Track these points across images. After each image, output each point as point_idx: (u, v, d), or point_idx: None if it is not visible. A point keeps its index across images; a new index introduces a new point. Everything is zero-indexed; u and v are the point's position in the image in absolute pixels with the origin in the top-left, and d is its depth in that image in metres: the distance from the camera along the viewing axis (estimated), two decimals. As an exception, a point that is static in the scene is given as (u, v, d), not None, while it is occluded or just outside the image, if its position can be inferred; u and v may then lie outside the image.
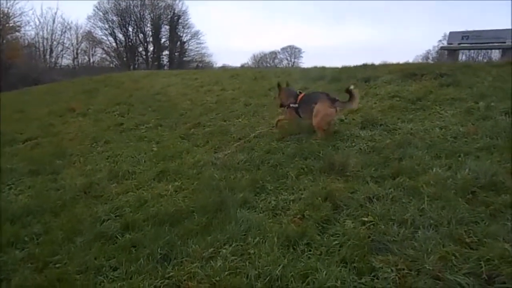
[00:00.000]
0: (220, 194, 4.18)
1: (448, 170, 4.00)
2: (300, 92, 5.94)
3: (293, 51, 64.23)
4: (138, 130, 7.87)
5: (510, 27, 10.67)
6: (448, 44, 11.71)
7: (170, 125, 7.83)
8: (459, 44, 11.48)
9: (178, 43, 50.42)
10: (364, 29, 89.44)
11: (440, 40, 55.72)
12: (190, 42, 50.47)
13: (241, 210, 3.77)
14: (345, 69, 11.63)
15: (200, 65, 48.72)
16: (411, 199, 3.53)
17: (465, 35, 11.37)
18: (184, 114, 8.58)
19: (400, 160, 4.41)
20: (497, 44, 11.05)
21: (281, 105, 6.18)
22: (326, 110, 5.34)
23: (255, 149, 5.57)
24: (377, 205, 3.49)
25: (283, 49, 64.23)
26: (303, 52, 62.52)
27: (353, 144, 5.22)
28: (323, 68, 12.63)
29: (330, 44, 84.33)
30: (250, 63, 60.05)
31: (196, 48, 50.68)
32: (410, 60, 18.19)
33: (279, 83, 6.35)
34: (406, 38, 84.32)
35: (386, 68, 10.87)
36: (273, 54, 64.68)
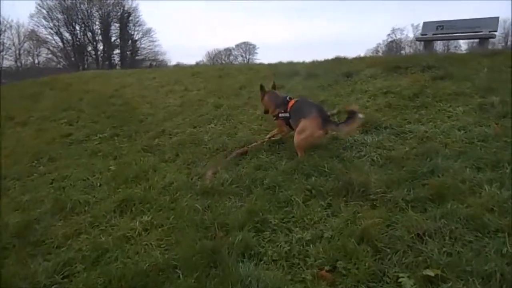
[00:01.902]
0: (209, 235, 3.10)
1: (502, 187, 3.13)
2: (290, 99, 4.82)
3: (248, 48, 63.66)
4: (91, 141, 6.56)
5: (485, 16, 10.24)
6: (422, 34, 11.17)
7: (129, 135, 6.59)
8: (433, 34, 10.93)
9: (130, 41, 48.26)
10: (315, 26, 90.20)
11: (389, 34, 57.54)
12: (142, 40, 48.45)
13: (244, 261, 2.71)
14: (318, 64, 10.82)
15: (154, 63, 46.79)
16: (479, 235, 2.61)
17: (439, 25, 10.83)
18: (145, 120, 7.35)
19: (432, 174, 3.51)
20: (473, 33, 10.58)
21: (265, 112, 5.20)
22: (313, 130, 4.28)
23: (240, 164, 4.51)
24: (433, 247, 2.54)
25: (237, 45, 63.53)
26: (258, 48, 62.04)
27: (362, 153, 4.28)
28: (292, 64, 11.75)
29: (281, 40, 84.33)
30: (205, 60, 58.72)
31: (149, 46, 48.75)
32: (362, 54, 17.56)
33: (262, 86, 5.26)
34: (356, 33, 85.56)
35: (363, 61, 10.13)
36: (228, 51, 63.83)
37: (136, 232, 3.35)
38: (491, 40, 11.06)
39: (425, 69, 7.63)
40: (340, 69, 8.78)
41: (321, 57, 11.63)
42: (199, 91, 9.21)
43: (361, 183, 3.41)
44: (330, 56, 11.35)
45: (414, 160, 3.84)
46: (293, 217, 3.26)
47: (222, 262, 2.68)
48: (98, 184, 4.55)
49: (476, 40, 11.87)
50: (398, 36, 57.35)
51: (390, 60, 8.87)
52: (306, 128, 4.29)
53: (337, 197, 3.41)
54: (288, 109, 4.67)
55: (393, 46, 56.51)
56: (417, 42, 54.94)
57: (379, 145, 4.43)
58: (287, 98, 4.84)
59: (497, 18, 10.19)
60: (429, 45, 11.21)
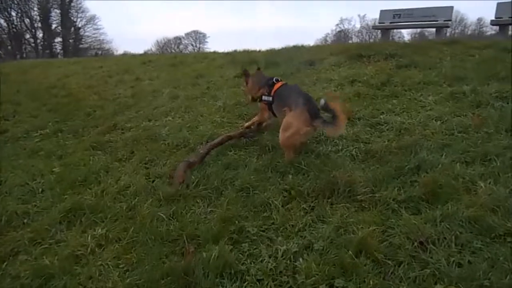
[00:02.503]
0: (177, 250, 2.63)
1: (497, 183, 2.90)
2: (277, 81, 4.23)
3: (198, 36, 62.28)
4: (30, 139, 5.78)
5: (442, 5, 10.31)
6: (380, 23, 11.10)
7: (75, 130, 5.88)
8: (390, 23, 10.89)
9: (72, 29, 45.44)
10: (264, 15, 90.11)
11: (337, 24, 58.53)
12: (86, 28, 45.76)
13: (223, 283, 2.27)
14: (275, 52, 10.45)
15: (100, 52, 44.41)
16: (487, 241, 2.34)
17: (396, 14, 10.82)
18: (93, 114, 6.63)
19: (418, 170, 3.24)
20: (429, 22, 10.64)
21: (252, 99, 4.55)
22: (300, 127, 3.62)
23: (206, 161, 4.04)
24: (439, 256, 2.24)
25: (187, 34, 61.87)
26: (208, 37, 60.86)
27: (338, 147, 3.96)
28: (248, 52, 11.29)
29: (228, 29, 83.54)
30: (154, 49, 56.63)
31: (94, 34, 46.14)
32: (311, 44, 17.31)
33: (245, 69, 4.72)
34: (305, 24, 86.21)
35: (324, 49, 9.92)
36: (178, 40, 62.08)
37: (88, 249, 2.81)
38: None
39: (388, 57, 7.48)
40: (301, 57, 8.47)
41: (268, 47, 11.22)
42: (152, 81, 8.55)
43: (347, 182, 3.07)
44: (277, 45, 11.07)
45: (397, 154, 3.57)
46: (273, 223, 2.86)
47: (197, 286, 2.23)
48: (40, 190, 3.90)
49: (418, 30, 11.97)
50: (346, 26, 58.53)
51: (353, 48, 8.67)
52: (292, 124, 3.66)
53: (320, 198, 3.05)
54: (272, 93, 4.12)
55: (341, 36, 57.44)
56: (364, 32, 57.18)
57: (356, 138, 4.13)
58: (273, 79, 4.25)
59: (452, 7, 10.30)
60: (386, 33, 11.17)
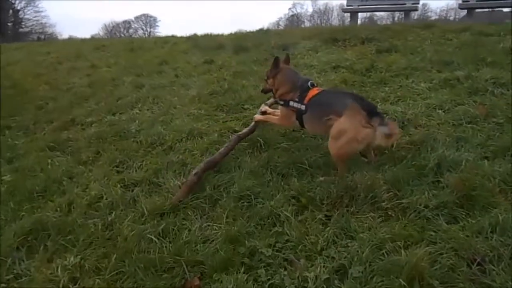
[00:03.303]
0: (178, 282, 2.11)
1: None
2: (313, 85, 3.36)
3: (148, 20, 60.05)
4: (-31, 139, 4.92)
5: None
6: (348, 6, 10.78)
7: (25, 127, 5.09)
8: (359, 6, 10.61)
9: (11, 11, 42.03)
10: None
11: (290, 8, 58.42)
12: (26, 10, 42.49)
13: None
14: (242, 36, 9.89)
15: (42, 36, 41.43)
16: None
17: (364, -4, 10.54)
18: (45, 107, 5.82)
19: (439, 168, 2.88)
20: (398, 5, 10.47)
21: (266, 91, 3.80)
22: (356, 130, 2.87)
23: (187, 160, 3.49)
24: (501, 279, 1.87)
25: (137, 18, 59.48)
26: (159, 21, 58.78)
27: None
28: (213, 36, 10.65)
29: (181, 14, 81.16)
30: (101, 33, 53.89)
31: (35, 17, 43.04)
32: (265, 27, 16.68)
33: (277, 58, 3.57)
34: (256, 8, 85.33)
35: (293, 33, 9.47)
36: (127, 24, 59.52)
37: (60, 286, 2.21)
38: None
39: (365, 42, 7.18)
40: (272, 42, 7.99)
41: (221, 32, 10.71)
42: (110, 68, 7.77)
43: (367, 186, 2.64)
44: (231, 30, 10.57)
45: (409, 150, 3.19)
46: (288, 241, 2.38)
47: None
48: (-13, 206, 3.19)
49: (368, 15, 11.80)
50: (299, 11, 58.58)
51: (326, 31, 8.29)
52: (345, 129, 2.90)
53: (337, 206, 2.62)
54: (306, 100, 3.27)
55: (294, 20, 57.39)
56: (316, 16, 57.35)
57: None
58: (309, 83, 3.35)
59: (419, -11, 10.16)
60: (354, 16, 10.89)
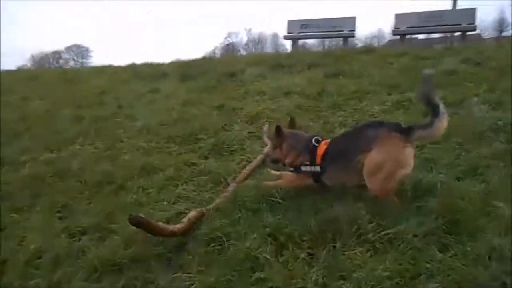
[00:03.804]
0: None
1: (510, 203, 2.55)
2: (318, 141, 2.98)
3: (80, 50, 58.23)
4: None
5: (346, 16, 10.58)
6: (288, 33, 10.99)
7: None
8: (299, 33, 10.86)
9: None
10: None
11: (225, 37, 59.37)
12: None
13: None
14: (186, 64, 9.67)
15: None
16: None
17: (303, 24, 10.85)
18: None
19: (415, 191, 2.77)
20: (336, 32, 10.84)
21: (275, 161, 3.26)
22: (396, 159, 2.57)
23: (142, 200, 3.12)
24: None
25: (67, 48, 57.41)
26: (92, 51, 57.10)
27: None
28: (153, 65, 10.32)
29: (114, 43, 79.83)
30: (29, 65, 51.00)
31: None
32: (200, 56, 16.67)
33: (278, 126, 3.13)
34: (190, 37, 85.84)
35: (236, 60, 9.37)
36: (57, 54, 57.17)
37: None
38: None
39: (311, 67, 7.25)
40: (218, 69, 7.82)
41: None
42: (43, 100, 7.11)
43: (350, 218, 2.45)
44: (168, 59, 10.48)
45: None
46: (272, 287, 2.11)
47: None
48: None
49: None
50: (234, 40, 59.85)
51: (270, 58, 8.31)
52: (382, 162, 2.57)
53: (320, 243, 2.38)
54: (320, 158, 2.89)
55: (229, 48, 58.35)
56: (251, 45, 58.39)
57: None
58: (313, 140, 2.98)
59: (354, 17, 10.62)
60: (295, 43, 11.12)
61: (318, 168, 2.87)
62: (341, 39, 11.17)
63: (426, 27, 10.13)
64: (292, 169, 3.07)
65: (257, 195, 2.98)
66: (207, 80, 7.15)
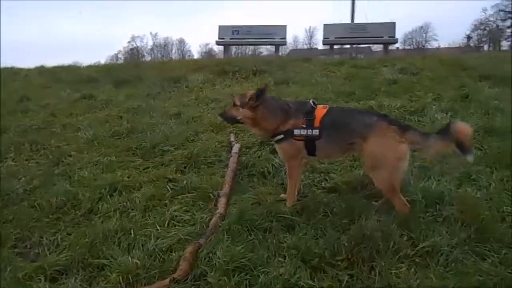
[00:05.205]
0: None
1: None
2: (315, 104, 2.76)
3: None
4: None
5: (278, 24, 10.66)
6: (220, 38, 10.72)
7: None
8: (230, 39, 10.67)
9: None
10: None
11: (129, 41, 56.79)
12: None
13: None
14: (113, 68, 9.02)
15: None
16: None
17: (235, 30, 10.68)
18: None
19: (427, 201, 2.72)
20: (268, 39, 10.84)
21: (238, 122, 2.93)
22: (396, 151, 2.50)
23: (127, 226, 2.63)
24: None
25: None
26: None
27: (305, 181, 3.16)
28: (70, 68, 9.45)
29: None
30: None
31: None
32: (102, 61, 15.77)
33: (262, 88, 2.79)
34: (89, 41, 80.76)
35: (173, 66, 8.82)
36: None
37: None
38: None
39: (256, 73, 7.11)
40: (156, 75, 7.32)
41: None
42: None
43: (384, 234, 2.29)
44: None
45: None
46: None
47: None
48: None
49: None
50: (138, 44, 57.61)
51: (212, 64, 8.00)
52: (384, 155, 2.51)
53: (356, 262, 2.18)
54: (319, 122, 2.66)
55: (134, 53, 56.02)
56: (156, 51, 56.21)
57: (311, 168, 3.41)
58: (311, 103, 2.76)
59: (285, 26, 10.73)
60: (228, 49, 10.91)
61: (316, 132, 2.66)
62: (278, 46, 11.20)
63: (352, 38, 10.63)
64: (280, 136, 2.76)
65: (262, 212, 2.70)
66: (147, 86, 6.60)
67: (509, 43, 41.60)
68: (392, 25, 10.29)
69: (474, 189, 2.93)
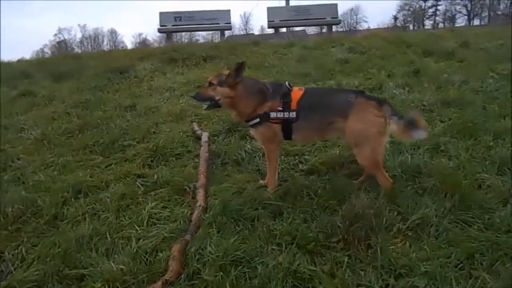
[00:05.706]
0: None
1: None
2: (291, 86, 2.68)
3: None
4: None
5: (221, 8, 10.40)
6: (162, 26, 10.27)
7: None
8: (173, 25, 10.26)
9: None
10: None
11: (55, 34, 53.38)
12: None
13: None
14: (46, 61, 8.38)
15: None
16: None
17: (177, 16, 10.26)
18: None
19: (405, 174, 2.77)
20: (213, 25, 10.56)
21: (211, 100, 2.72)
22: (377, 123, 2.49)
23: (101, 229, 2.41)
24: None
25: None
26: None
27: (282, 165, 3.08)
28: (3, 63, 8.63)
29: None
30: None
31: None
32: (27, 57, 14.71)
33: (239, 65, 2.62)
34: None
35: (114, 56, 8.32)
36: None
37: None
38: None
39: (207, 59, 6.92)
40: (96, 65, 6.86)
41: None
42: None
43: (376, 211, 2.27)
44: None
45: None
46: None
47: None
48: None
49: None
50: (66, 37, 54.31)
51: (157, 52, 7.67)
52: (365, 130, 2.49)
53: (352, 242, 2.15)
54: (295, 105, 2.59)
55: (62, 46, 52.71)
56: (86, 43, 53.22)
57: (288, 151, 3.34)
58: (287, 84, 2.68)
59: (229, 10, 10.47)
60: (170, 37, 10.49)
61: (294, 114, 2.59)
62: (223, 31, 10.95)
63: (296, 21, 10.64)
64: (256, 120, 2.65)
65: (246, 200, 2.59)
66: (90, 78, 6.16)
67: (432, 22, 44.41)
68: (334, 6, 10.43)
69: (446, 160, 3.03)
